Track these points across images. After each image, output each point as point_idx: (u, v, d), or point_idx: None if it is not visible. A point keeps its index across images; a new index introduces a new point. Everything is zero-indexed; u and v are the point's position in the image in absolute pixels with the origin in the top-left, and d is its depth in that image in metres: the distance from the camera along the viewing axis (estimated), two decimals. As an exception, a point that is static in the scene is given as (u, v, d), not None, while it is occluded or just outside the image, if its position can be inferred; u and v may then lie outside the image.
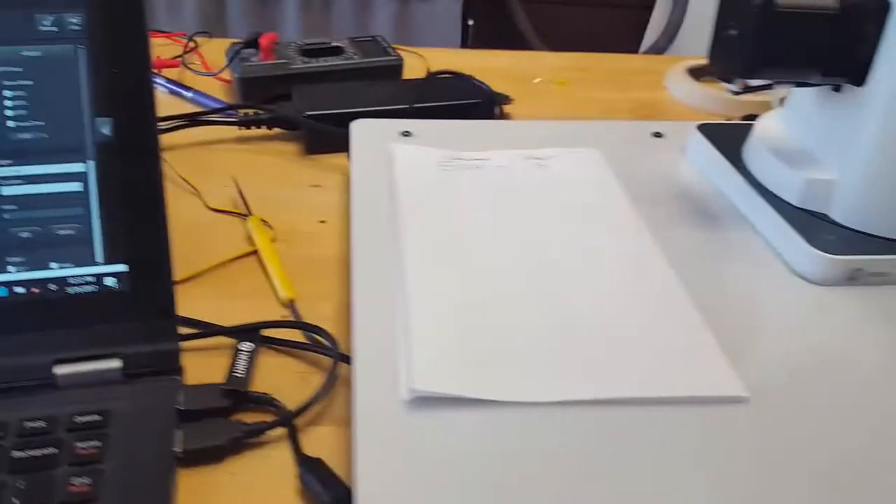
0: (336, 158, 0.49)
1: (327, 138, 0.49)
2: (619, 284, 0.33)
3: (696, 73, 0.64)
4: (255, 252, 0.40)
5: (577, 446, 0.25)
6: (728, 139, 0.43)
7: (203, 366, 0.32)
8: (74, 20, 0.31)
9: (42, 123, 0.30)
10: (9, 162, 0.30)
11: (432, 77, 0.54)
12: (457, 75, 0.54)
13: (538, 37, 1.46)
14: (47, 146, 0.30)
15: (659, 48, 1.50)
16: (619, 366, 0.28)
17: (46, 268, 0.30)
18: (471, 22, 1.42)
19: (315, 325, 0.34)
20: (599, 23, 1.55)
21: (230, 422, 0.29)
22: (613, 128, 0.48)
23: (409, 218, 0.36)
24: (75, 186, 0.30)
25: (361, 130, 0.45)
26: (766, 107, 0.57)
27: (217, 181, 0.46)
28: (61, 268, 0.30)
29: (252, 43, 0.55)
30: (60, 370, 0.29)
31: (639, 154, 0.45)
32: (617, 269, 0.34)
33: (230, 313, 0.35)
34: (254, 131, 0.51)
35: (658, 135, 0.47)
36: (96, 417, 0.28)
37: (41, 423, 0.27)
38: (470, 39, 1.42)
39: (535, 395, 0.26)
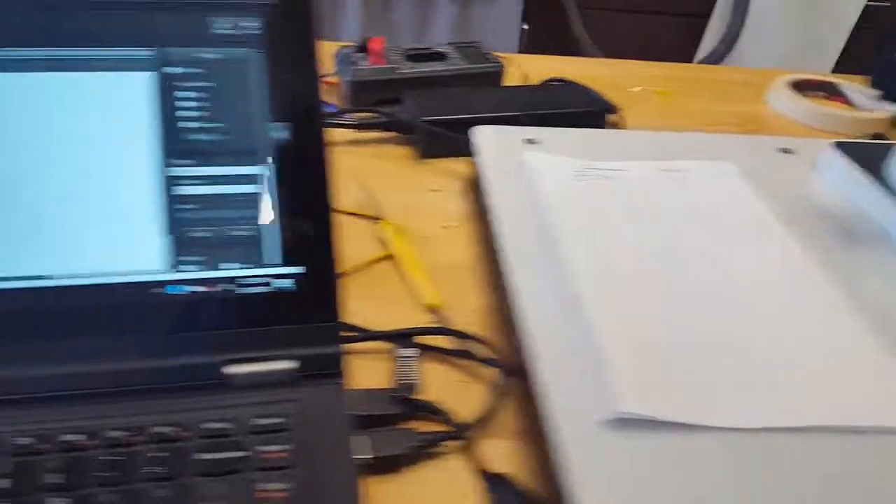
0: (450, 163, 0.49)
1: (442, 143, 0.49)
2: (787, 306, 0.32)
3: (799, 88, 0.63)
4: (388, 256, 0.40)
5: (781, 472, 0.24)
6: (865, 158, 0.42)
7: (355, 370, 0.32)
8: (250, 24, 0.31)
9: (221, 125, 0.30)
10: (188, 162, 0.30)
11: (545, 84, 0.54)
12: (569, 83, 0.54)
13: (594, 43, 1.45)
14: (225, 148, 0.30)
15: (717, 56, 1.49)
16: (814, 393, 0.27)
17: (221, 268, 0.30)
18: (525, 26, 1.42)
19: (478, 336, 0.33)
20: (654, 30, 1.54)
21: (404, 430, 0.29)
22: (737, 141, 0.48)
23: (562, 229, 0.36)
24: (252, 188, 0.30)
25: (484, 137, 0.45)
26: (881, 125, 0.56)
27: (336, 183, 0.46)
28: (237, 268, 0.30)
29: (360, 47, 0.55)
30: (232, 370, 0.29)
31: (770, 170, 0.44)
32: (782, 289, 0.33)
33: (370, 318, 0.35)
34: (365, 134, 0.51)
35: (786, 150, 0.46)
36: (278, 420, 0.28)
37: (224, 425, 0.27)
38: (524, 44, 1.41)
39: (742, 422, 0.25)
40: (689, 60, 1.56)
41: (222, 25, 0.30)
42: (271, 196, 0.31)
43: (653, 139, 0.47)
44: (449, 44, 0.60)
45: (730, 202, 0.39)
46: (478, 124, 0.47)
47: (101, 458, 0.26)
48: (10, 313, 0.28)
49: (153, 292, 0.30)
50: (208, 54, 0.30)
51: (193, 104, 0.30)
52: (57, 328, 0.29)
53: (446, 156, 0.49)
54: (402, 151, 0.50)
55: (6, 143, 0.28)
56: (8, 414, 0.27)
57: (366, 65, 0.54)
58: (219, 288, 0.31)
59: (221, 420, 0.28)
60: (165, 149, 0.30)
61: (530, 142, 0.44)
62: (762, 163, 0.44)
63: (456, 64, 0.56)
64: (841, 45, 1.52)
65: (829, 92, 0.64)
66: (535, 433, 0.29)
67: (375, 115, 0.50)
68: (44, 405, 0.28)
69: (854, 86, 0.63)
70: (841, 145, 0.43)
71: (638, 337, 0.29)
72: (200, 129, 0.30)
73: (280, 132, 0.31)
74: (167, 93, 0.30)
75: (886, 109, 0.58)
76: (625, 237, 0.36)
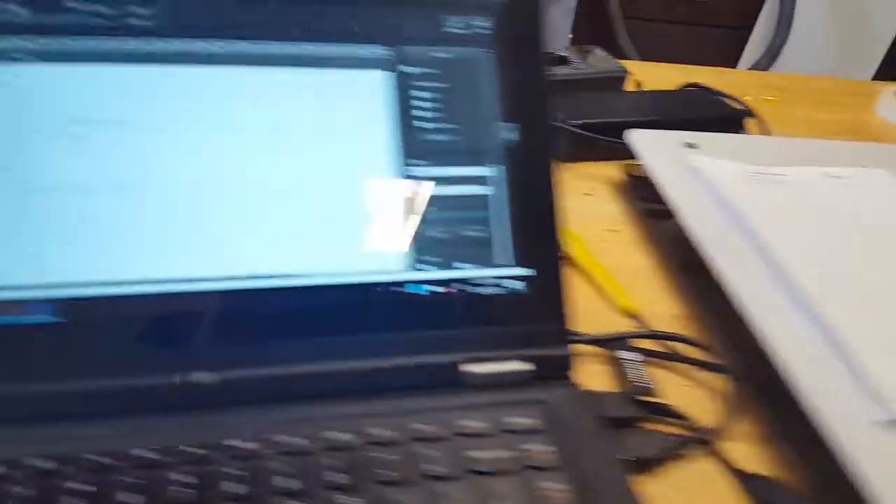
0: (593, 167, 0.49)
1: (585, 147, 0.49)
2: None
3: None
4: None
5: None
6: None
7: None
8: (483, 24, 0.31)
9: (454, 126, 0.30)
10: (424, 162, 0.30)
11: (679, 90, 0.54)
12: (702, 88, 0.54)
13: (637, 53, 1.46)
14: (458, 148, 0.30)
15: (761, 68, 1.50)
16: None
17: (455, 268, 0.30)
18: (570, 35, 1.42)
19: (702, 341, 0.33)
20: (697, 40, 1.55)
21: (653, 432, 0.29)
22: (882, 150, 0.48)
23: (767, 233, 0.36)
24: (483, 190, 0.30)
25: (643, 140, 0.45)
26: None
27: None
28: (470, 269, 0.30)
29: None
30: (470, 369, 0.29)
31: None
32: None
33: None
34: (502, 137, 0.51)
35: (934, 158, 0.46)
36: (534, 420, 0.28)
37: (481, 424, 0.27)
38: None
39: None
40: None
41: (455, 24, 0.31)
42: (501, 197, 0.31)
43: (803, 145, 0.47)
44: (567, 47, 0.60)
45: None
46: (623, 128, 0.47)
47: (373, 455, 0.25)
48: (248, 313, 0.28)
49: (393, 291, 0.30)
50: (442, 53, 0.30)
51: (428, 104, 0.30)
52: (296, 328, 0.28)
53: (589, 159, 0.49)
54: (543, 155, 0.51)
55: (240, 139, 0.28)
56: (253, 414, 0.27)
57: (496, 68, 0.54)
58: (453, 288, 0.31)
59: (475, 419, 0.28)
60: (403, 148, 0.30)
61: (690, 146, 0.45)
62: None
63: (580, 68, 0.57)
64: (881, 55, 1.54)
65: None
66: (784, 436, 0.29)
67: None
68: (283, 406, 0.27)
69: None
70: None
71: (885, 338, 0.29)
72: (435, 130, 0.30)
73: (510, 133, 0.31)
74: (404, 92, 0.30)
75: None
76: (828, 239, 0.36)
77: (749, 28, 1.53)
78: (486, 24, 0.31)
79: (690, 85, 0.55)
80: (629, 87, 0.61)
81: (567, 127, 0.48)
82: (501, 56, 0.30)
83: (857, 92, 0.66)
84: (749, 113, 0.51)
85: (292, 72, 0.29)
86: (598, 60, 0.58)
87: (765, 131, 0.54)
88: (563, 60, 0.57)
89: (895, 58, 1.57)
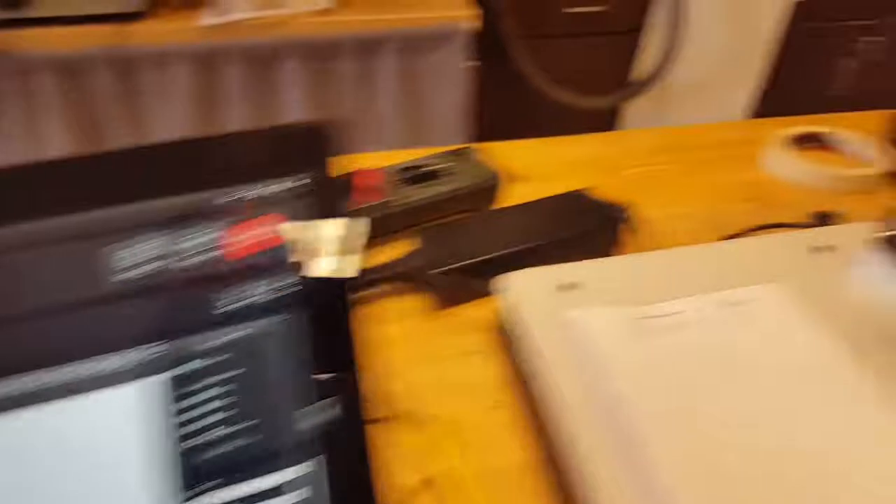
0: (473, 310, 0.44)
1: (461, 290, 0.44)
2: (872, 460, 0.30)
3: (797, 143, 0.61)
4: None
5: None
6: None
7: None
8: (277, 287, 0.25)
9: (250, 423, 0.24)
10: (213, 485, 0.24)
11: (547, 201, 0.50)
12: (569, 196, 0.49)
13: (542, 73, 1.42)
14: (257, 452, 0.24)
15: (657, 73, 1.48)
16: None
17: None
18: (478, 63, 1.35)
19: None
20: (596, 52, 1.53)
21: None
22: (770, 242, 0.45)
23: (641, 415, 0.32)
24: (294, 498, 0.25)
25: (516, 289, 0.40)
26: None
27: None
28: None
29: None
30: None
31: (812, 276, 0.41)
32: (862, 440, 0.31)
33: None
34: (370, 291, 0.45)
35: (818, 249, 0.43)
36: None
37: None
38: (479, 82, 1.36)
39: None
40: (627, 76, 1.56)
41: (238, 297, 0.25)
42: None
43: (687, 255, 0.43)
44: (437, 156, 0.54)
45: (789, 337, 0.36)
46: (493, 265, 0.42)
47: None
48: None
49: None
50: (223, 337, 0.25)
51: (213, 405, 0.24)
52: None
53: (466, 301, 0.44)
54: (417, 303, 0.45)
55: None
56: None
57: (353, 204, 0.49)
58: None
59: None
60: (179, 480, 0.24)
61: (566, 287, 0.40)
62: (802, 268, 0.41)
63: (450, 183, 0.51)
64: (760, 60, 1.54)
65: (821, 142, 0.62)
66: None
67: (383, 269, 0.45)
68: None
69: (843, 133, 0.62)
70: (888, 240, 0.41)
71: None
72: (225, 438, 0.24)
73: (322, 414, 0.25)
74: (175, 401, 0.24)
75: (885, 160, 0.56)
76: (705, 407, 0.32)
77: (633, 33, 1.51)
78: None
79: (569, 194, 0.51)
80: (506, 192, 0.55)
81: (436, 277, 0.43)
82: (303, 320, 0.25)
83: (748, 140, 0.63)
84: (622, 216, 0.47)
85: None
86: (471, 169, 0.53)
87: (647, 238, 0.49)
88: (430, 176, 0.52)
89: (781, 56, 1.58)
